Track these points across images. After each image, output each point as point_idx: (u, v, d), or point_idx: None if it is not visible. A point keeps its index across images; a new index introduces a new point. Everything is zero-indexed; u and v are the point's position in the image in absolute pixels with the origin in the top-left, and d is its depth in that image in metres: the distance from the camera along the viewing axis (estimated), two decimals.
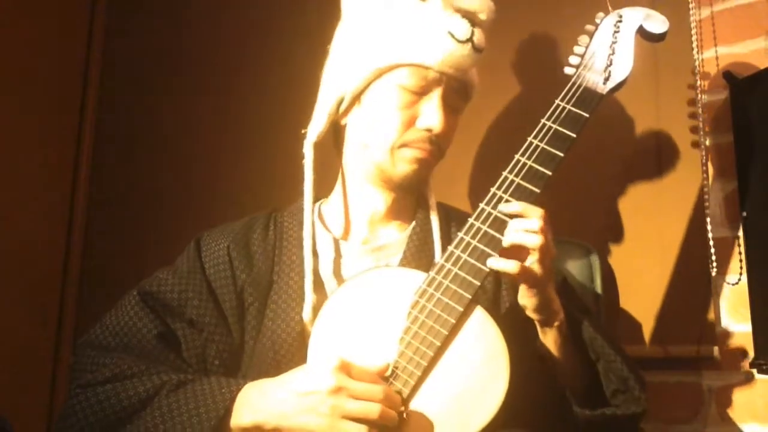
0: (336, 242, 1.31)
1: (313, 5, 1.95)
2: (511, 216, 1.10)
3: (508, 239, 1.09)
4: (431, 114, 1.24)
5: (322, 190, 1.37)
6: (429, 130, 1.25)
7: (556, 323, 1.14)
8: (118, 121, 2.29)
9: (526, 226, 1.08)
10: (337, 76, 1.31)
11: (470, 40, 1.24)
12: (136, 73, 2.31)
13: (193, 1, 2.29)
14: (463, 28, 1.24)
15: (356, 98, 1.30)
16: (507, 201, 1.13)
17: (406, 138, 1.25)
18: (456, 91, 1.28)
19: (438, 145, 1.27)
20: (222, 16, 2.21)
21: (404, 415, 1.05)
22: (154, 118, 2.23)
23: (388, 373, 1.08)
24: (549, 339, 1.15)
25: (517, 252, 1.08)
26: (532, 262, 1.07)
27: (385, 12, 1.28)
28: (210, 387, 1.09)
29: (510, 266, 1.07)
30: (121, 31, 2.36)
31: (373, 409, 1.00)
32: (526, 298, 1.11)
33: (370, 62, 1.26)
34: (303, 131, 1.35)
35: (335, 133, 1.36)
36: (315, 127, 1.33)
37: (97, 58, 2.32)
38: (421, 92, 1.25)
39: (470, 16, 1.26)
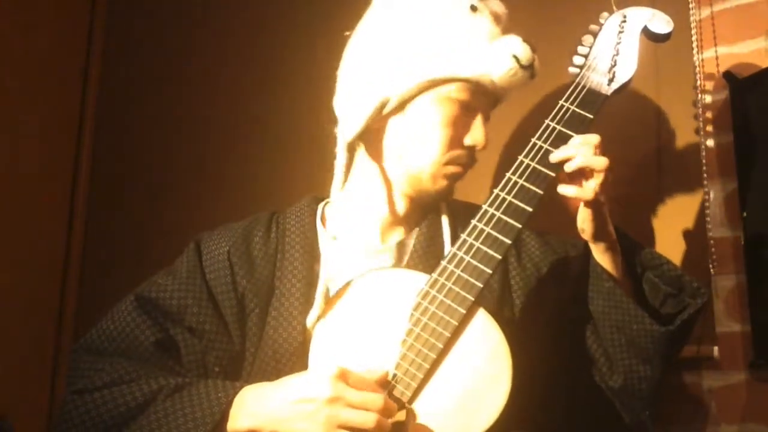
0: (338, 244, 1.30)
1: (319, 6, 1.95)
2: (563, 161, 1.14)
3: (574, 163, 1.12)
4: (478, 132, 1.26)
5: (324, 191, 1.36)
6: (473, 147, 1.26)
7: (604, 245, 1.18)
8: (118, 121, 2.29)
9: (589, 150, 1.12)
10: (380, 77, 1.26)
11: (531, 66, 1.24)
12: (137, 72, 2.30)
13: None
14: (527, 53, 1.23)
15: (402, 105, 1.26)
16: (511, 202, 1.13)
17: (451, 155, 1.25)
18: (491, 107, 1.31)
19: (474, 160, 1.29)
20: (222, 15, 2.20)
21: (405, 423, 1.05)
22: (154, 117, 2.23)
23: (390, 377, 1.08)
24: (606, 259, 1.19)
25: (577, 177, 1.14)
26: (597, 183, 1.12)
27: (438, 19, 1.26)
28: (206, 390, 1.09)
29: (585, 193, 1.12)
30: (121, 30, 2.35)
31: (369, 419, 1.00)
32: (587, 221, 1.15)
33: (424, 71, 1.24)
34: (334, 130, 1.32)
35: (361, 135, 1.30)
36: (352, 127, 1.27)
37: (97, 58, 2.31)
38: (468, 108, 1.26)
39: (528, 41, 1.26)
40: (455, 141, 1.26)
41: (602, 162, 1.11)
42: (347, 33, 1.35)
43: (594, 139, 1.14)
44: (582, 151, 1.12)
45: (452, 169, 1.27)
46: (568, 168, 1.13)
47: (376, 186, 1.31)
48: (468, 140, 1.26)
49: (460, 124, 1.26)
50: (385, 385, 1.07)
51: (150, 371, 1.16)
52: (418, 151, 1.26)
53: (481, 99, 1.27)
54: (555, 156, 1.14)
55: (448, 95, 1.24)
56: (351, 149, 1.31)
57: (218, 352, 1.23)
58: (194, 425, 1.05)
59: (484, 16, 1.27)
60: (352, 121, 1.27)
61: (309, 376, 1.07)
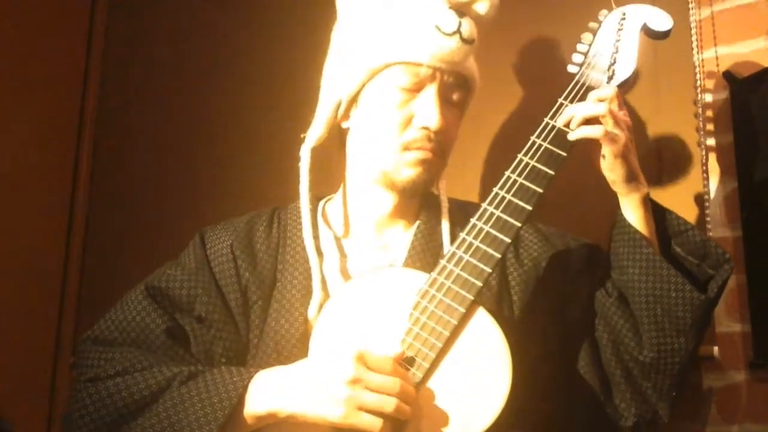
0: (339, 241, 1.31)
1: (315, 5, 1.95)
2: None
3: (581, 111, 1.15)
4: (427, 111, 1.22)
5: (327, 188, 1.37)
6: (426, 128, 1.22)
7: (640, 196, 1.17)
8: (119, 121, 2.29)
9: (598, 96, 1.15)
10: (333, 80, 1.30)
11: (457, 32, 1.22)
12: (137, 72, 2.30)
13: (194, 1, 2.29)
14: (450, 21, 1.22)
15: (353, 101, 1.29)
16: (510, 201, 1.13)
17: (405, 139, 1.23)
18: (453, 85, 1.26)
19: (438, 143, 1.24)
20: (223, 16, 2.21)
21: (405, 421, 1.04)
22: (154, 117, 2.23)
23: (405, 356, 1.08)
24: (634, 213, 1.18)
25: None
26: (610, 127, 1.13)
27: (379, 11, 1.26)
28: (221, 376, 1.09)
29: (594, 131, 1.13)
30: (122, 30, 2.35)
31: (388, 403, 1.00)
32: (611, 169, 1.15)
33: (363, 63, 1.25)
34: (302, 135, 1.34)
35: (339, 136, 1.35)
36: (314, 133, 1.32)
37: (97, 58, 2.31)
38: (416, 89, 1.23)
39: (460, 8, 1.24)
40: (404, 123, 1.23)
41: (604, 109, 1.13)
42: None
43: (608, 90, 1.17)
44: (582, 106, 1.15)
45: (412, 155, 1.23)
46: (573, 125, 1.15)
47: (362, 185, 1.32)
48: (417, 121, 1.23)
49: (410, 107, 1.23)
50: (402, 364, 1.06)
51: (161, 360, 1.16)
52: (378, 140, 1.26)
53: (429, 80, 1.23)
54: (565, 114, 1.16)
55: (392, 81, 1.23)
56: (341, 151, 1.35)
57: (225, 342, 1.23)
58: (211, 410, 1.04)
59: None
60: (315, 127, 1.32)
61: (329, 357, 1.06)
